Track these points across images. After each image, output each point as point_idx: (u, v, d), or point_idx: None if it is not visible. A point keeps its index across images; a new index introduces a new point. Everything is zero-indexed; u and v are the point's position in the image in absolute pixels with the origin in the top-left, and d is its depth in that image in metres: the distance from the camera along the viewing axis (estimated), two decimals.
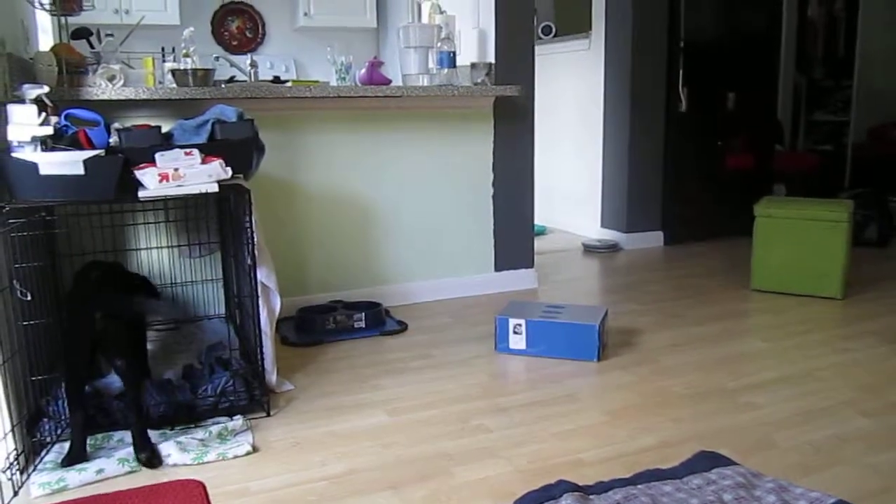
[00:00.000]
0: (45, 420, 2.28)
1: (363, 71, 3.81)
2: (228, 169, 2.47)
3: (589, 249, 5.26)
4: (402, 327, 3.49)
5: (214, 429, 2.31)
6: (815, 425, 2.41)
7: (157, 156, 2.40)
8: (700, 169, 5.43)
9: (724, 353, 3.12)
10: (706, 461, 2.07)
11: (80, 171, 2.24)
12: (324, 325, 3.39)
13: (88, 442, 2.26)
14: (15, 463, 2.07)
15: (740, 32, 5.47)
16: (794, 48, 7.06)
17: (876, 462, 2.17)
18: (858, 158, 7.05)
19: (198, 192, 2.39)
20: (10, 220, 2.16)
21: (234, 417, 2.44)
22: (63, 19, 3.55)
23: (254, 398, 2.53)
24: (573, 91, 5.76)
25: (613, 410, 2.55)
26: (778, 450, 2.25)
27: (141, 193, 2.35)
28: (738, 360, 3.03)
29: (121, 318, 2.31)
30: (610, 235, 5.44)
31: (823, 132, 7.32)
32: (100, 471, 2.10)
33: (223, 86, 3.44)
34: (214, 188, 2.41)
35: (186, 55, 3.43)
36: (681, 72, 5.24)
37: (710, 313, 3.68)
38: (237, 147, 2.62)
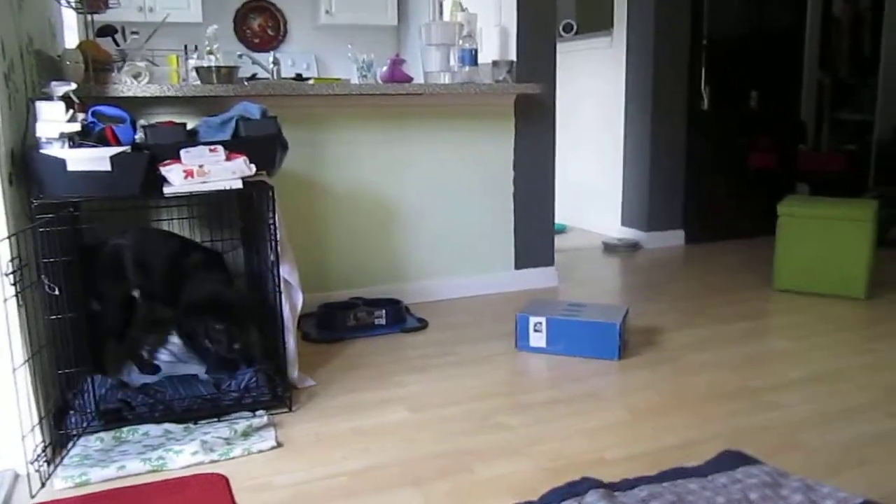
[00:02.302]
0: (72, 413, 2.30)
1: (385, 69, 3.82)
2: (252, 166, 2.48)
3: (609, 248, 5.24)
4: (423, 324, 3.50)
5: (239, 427, 2.32)
6: (841, 425, 2.39)
7: (183, 152, 2.42)
8: (722, 168, 5.40)
9: (748, 352, 3.10)
10: (731, 460, 2.05)
11: (107, 167, 2.26)
12: (345, 322, 3.40)
13: (113, 434, 2.29)
14: (42, 455, 2.10)
15: (764, 30, 5.42)
16: (819, 46, 6.99)
17: None
18: (884, 157, 6.96)
19: (222, 188, 2.41)
20: (39, 216, 2.18)
21: (258, 413, 2.45)
22: (89, 17, 3.59)
23: (276, 394, 2.54)
24: (594, 89, 5.74)
25: (636, 409, 2.54)
26: (804, 450, 2.23)
27: (166, 190, 2.37)
28: (762, 360, 3.00)
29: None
30: (630, 234, 5.41)
31: (848, 131, 7.24)
32: (122, 467, 2.11)
33: (246, 83, 3.46)
34: (238, 185, 2.43)
35: (210, 52, 3.45)
36: (703, 70, 5.21)
37: (732, 313, 3.66)
38: (261, 144, 2.63)
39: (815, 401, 2.59)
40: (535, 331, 3.12)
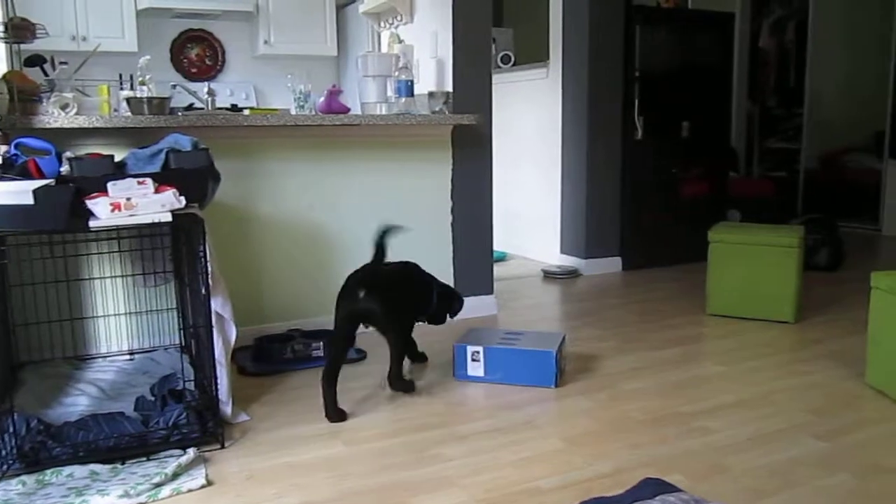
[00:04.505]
0: None
1: (322, 99, 3.82)
2: (182, 198, 2.45)
3: (549, 275, 5.29)
4: (361, 356, 3.47)
5: (169, 469, 2.25)
6: (768, 449, 2.45)
7: (110, 185, 2.37)
8: (657, 195, 5.52)
9: (682, 377, 3.15)
10: (651, 488, 2.07)
11: (30, 200, 2.21)
12: (281, 355, 3.35)
13: (36, 477, 2.21)
14: None
15: (693, 62, 5.59)
16: (747, 77, 7.25)
17: (829, 485, 2.20)
18: (810, 184, 7.23)
19: (150, 221, 2.37)
20: None
21: (188, 450, 2.39)
22: (16, 46, 3.51)
23: (207, 430, 2.49)
24: (532, 119, 5.83)
25: (571, 437, 2.56)
26: (731, 474, 2.27)
27: (92, 223, 2.32)
28: (695, 385, 3.06)
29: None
30: (569, 262, 5.48)
31: (776, 159, 7.51)
32: None
33: (179, 114, 3.42)
34: (168, 217, 2.39)
35: (143, 83, 3.40)
36: (636, 100, 5.34)
37: (667, 338, 3.72)
38: (191, 176, 2.60)
39: (744, 425, 2.65)
40: (473, 360, 3.12)
